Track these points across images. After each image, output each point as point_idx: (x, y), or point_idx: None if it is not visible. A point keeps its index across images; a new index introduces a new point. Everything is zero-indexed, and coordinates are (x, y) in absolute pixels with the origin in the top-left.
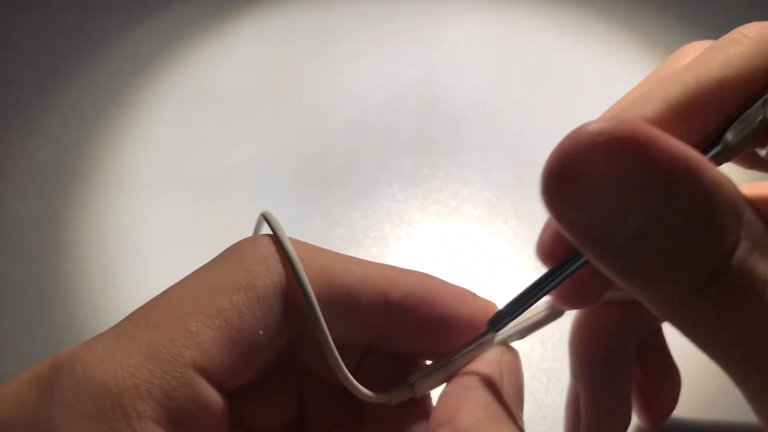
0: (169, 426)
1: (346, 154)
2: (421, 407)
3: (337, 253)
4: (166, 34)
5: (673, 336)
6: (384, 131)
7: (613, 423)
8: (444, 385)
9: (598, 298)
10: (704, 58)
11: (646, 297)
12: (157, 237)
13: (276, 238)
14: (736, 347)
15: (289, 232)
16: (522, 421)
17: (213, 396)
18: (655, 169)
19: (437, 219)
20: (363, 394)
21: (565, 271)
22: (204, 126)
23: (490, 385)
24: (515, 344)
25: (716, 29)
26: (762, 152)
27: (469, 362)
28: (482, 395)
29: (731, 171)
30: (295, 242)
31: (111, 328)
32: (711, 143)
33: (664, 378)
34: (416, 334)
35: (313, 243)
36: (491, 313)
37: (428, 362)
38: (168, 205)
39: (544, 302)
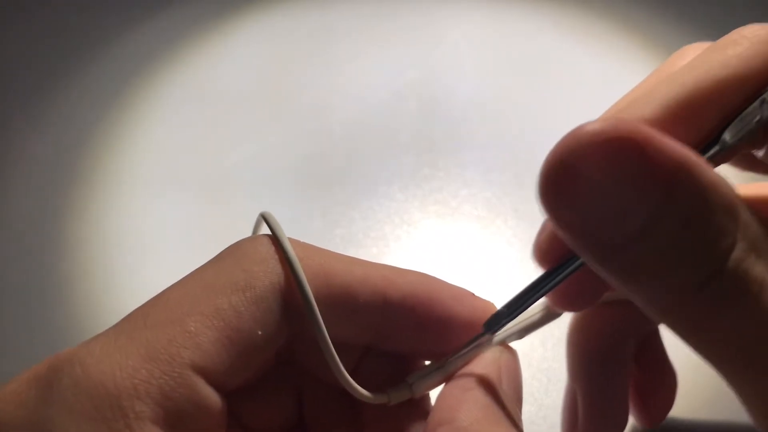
0: (167, 426)
1: (346, 154)
2: (419, 408)
3: (335, 253)
4: (166, 34)
5: (669, 336)
6: (384, 131)
7: (610, 423)
8: (443, 385)
9: (594, 301)
10: (703, 59)
11: (641, 299)
12: (157, 237)
13: (275, 238)
14: (731, 349)
15: (289, 232)
16: (521, 421)
17: (211, 396)
18: (653, 170)
19: (437, 219)
20: (361, 394)
21: (561, 273)
22: (204, 126)
23: (489, 386)
24: (514, 344)
25: (716, 29)
26: (759, 153)
27: (467, 362)
28: (481, 396)
29: (728, 172)
30: (294, 242)
31: (110, 329)
32: (709, 143)
33: (661, 378)
34: (415, 334)
35: (313, 243)
36: (490, 314)
37: (427, 363)
38: (168, 205)
39: (541, 303)
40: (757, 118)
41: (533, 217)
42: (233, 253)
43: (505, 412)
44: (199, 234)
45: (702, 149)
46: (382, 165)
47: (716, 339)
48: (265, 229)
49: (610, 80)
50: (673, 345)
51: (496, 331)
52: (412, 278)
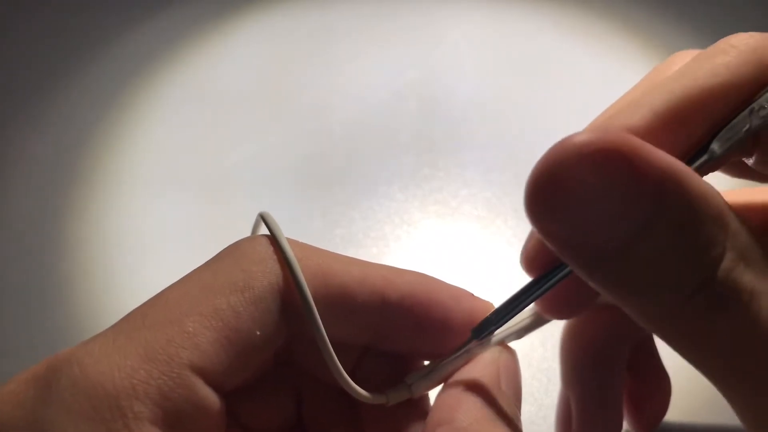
0: (165, 427)
1: (346, 154)
2: (418, 408)
3: (334, 253)
4: (166, 34)
5: (663, 342)
6: (384, 131)
7: (603, 429)
8: (441, 385)
9: (583, 309)
10: (691, 67)
11: (631, 308)
12: (157, 237)
13: (273, 239)
14: (721, 358)
15: (289, 232)
16: (520, 421)
17: (210, 396)
18: (641, 181)
19: (437, 219)
20: (360, 394)
21: (549, 281)
22: (204, 126)
23: (488, 386)
24: (514, 344)
25: (716, 29)
26: (749, 161)
27: (466, 362)
28: (480, 395)
29: (718, 179)
30: (293, 242)
31: (108, 329)
32: (697, 152)
33: (655, 384)
34: (413, 334)
35: (312, 243)
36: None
37: (426, 363)
38: (168, 205)
39: (530, 309)
40: (746, 127)
41: None
42: (232, 253)
43: (504, 412)
44: (199, 234)
45: (690, 158)
46: (382, 165)
47: (706, 348)
48: (263, 229)
49: (610, 80)
50: (667, 350)
51: (483, 338)
52: (410, 278)
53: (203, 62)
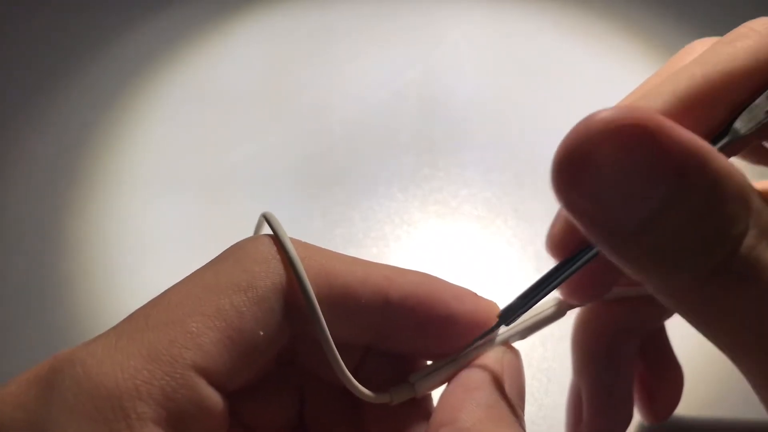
0: (169, 427)
1: (346, 154)
2: (421, 407)
3: (337, 253)
4: (166, 34)
5: (675, 333)
6: (384, 131)
7: (615, 420)
8: (445, 385)
9: (604, 293)
10: (712, 52)
11: (654, 284)
12: (157, 237)
13: (276, 239)
14: (743, 334)
15: (290, 232)
16: (523, 421)
17: (213, 397)
18: (665, 157)
19: (437, 219)
20: (363, 394)
21: (574, 265)
22: (204, 126)
23: (492, 386)
24: (516, 344)
25: (716, 29)
26: None
27: (470, 362)
28: (484, 396)
29: (739, 165)
30: (296, 242)
31: (111, 329)
32: (718, 135)
33: (667, 375)
34: (417, 334)
35: (313, 243)
36: (492, 313)
37: (429, 362)
38: (168, 205)
39: (550, 299)
40: (767, 108)
41: (533, 217)
42: (234, 253)
43: (508, 412)
44: (200, 234)
45: (712, 140)
46: (382, 165)
47: (728, 325)
48: (266, 229)
49: (610, 80)
50: (680, 341)
51: (510, 322)
52: (413, 278)
53: (203, 62)
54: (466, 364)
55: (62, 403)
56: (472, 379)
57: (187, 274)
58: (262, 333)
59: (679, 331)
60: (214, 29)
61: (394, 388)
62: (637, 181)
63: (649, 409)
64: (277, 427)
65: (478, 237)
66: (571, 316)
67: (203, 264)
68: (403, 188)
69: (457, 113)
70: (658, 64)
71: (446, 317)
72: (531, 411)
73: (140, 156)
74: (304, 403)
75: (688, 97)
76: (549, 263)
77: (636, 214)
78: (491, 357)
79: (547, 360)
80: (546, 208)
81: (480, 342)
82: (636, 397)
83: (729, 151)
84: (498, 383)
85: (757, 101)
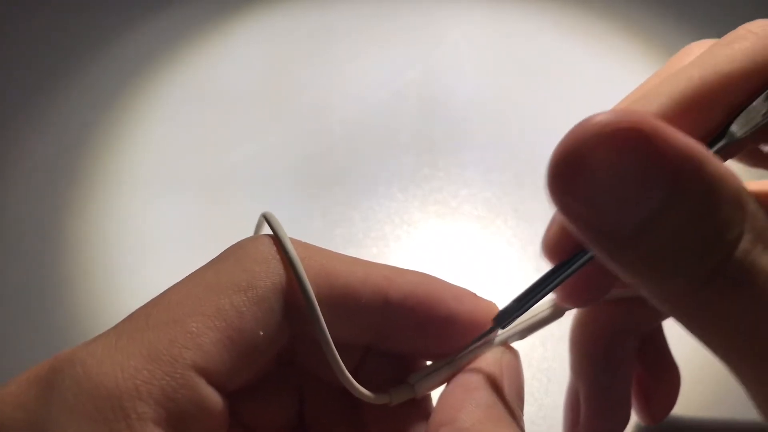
0: (169, 427)
1: (346, 154)
2: (421, 408)
3: (337, 253)
4: (166, 34)
5: (673, 334)
6: (384, 131)
7: (612, 420)
8: (444, 385)
9: (600, 297)
10: (710, 54)
11: (648, 289)
12: (157, 237)
13: (276, 239)
14: (737, 340)
15: (290, 232)
16: (522, 421)
17: (213, 397)
18: (660, 161)
19: (437, 219)
20: (363, 394)
21: (569, 268)
22: (204, 126)
23: (491, 386)
24: (515, 344)
25: (716, 29)
26: (766, 148)
27: (469, 362)
28: (483, 396)
29: (736, 168)
30: (296, 242)
31: (111, 329)
32: (715, 138)
33: (664, 376)
34: (416, 334)
35: (313, 243)
36: (492, 314)
37: (428, 363)
38: (168, 205)
39: (547, 301)
40: (764, 111)
41: (533, 217)
42: (234, 253)
43: (507, 412)
44: (199, 234)
45: (708, 143)
46: (382, 165)
47: (723, 331)
48: (266, 229)
49: (610, 80)
50: (677, 342)
51: (506, 325)
52: (413, 278)
53: (203, 62)
54: (466, 365)
55: (62, 403)
56: (472, 380)
57: (187, 274)
58: (262, 333)
59: (677, 332)
60: (214, 29)
61: (394, 389)
62: (632, 186)
63: (646, 410)
64: (276, 427)
65: (478, 237)
66: (571, 316)
67: (203, 264)
68: (403, 188)
69: (457, 113)
70: (658, 64)
71: (446, 317)
72: (531, 411)
73: (140, 156)
74: (303, 403)
75: (685, 99)
76: (549, 264)
77: (631, 219)
78: (490, 357)
79: (547, 360)
80: (546, 208)
81: (477, 344)
82: (633, 398)
83: (725, 154)
84: (497, 384)
85: (754, 104)
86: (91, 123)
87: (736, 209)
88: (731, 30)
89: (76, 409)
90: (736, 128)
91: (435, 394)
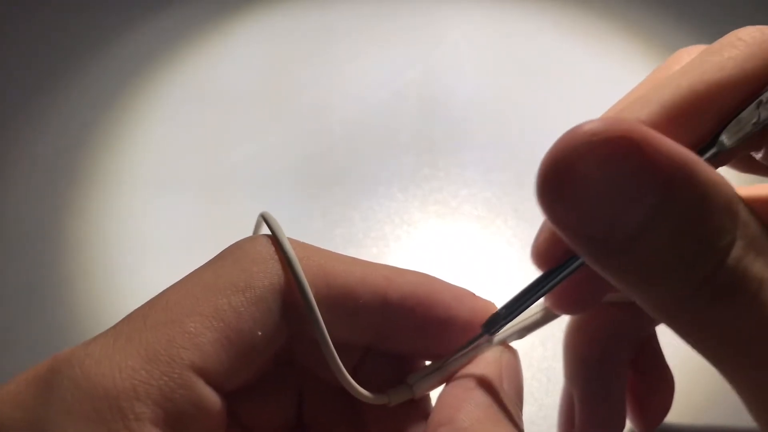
0: (167, 427)
1: (346, 154)
2: (420, 408)
3: (336, 253)
4: (166, 34)
5: (666, 340)
6: (384, 131)
7: (606, 426)
8: (443, 385)
9: (592, 304)
10: (699, 62)
11: (641, 297)
12: (157, 237)
13: (275, 239)
14: (731, 347)
15: (289, 232)
16: (521, 421)
17: (211, 397)
18: (651, 169)
19: (437, 219)
20: (361, 395)
21: (559, 275)
22: (204, 126)
23: (490, 386)
24: (515, 344)
25: (716, 29)
26: (758, 155)
27: (468, 362)
28: (482, 396)
29: (727, 175)
30: (294, 242)
31: (109, 329)
32: (705, 146)
33: (658, 382)
34: (415, 334)
35: (313, 243)
36: (491, 314)
37: (427, 363)
38: (168, 205)
39: (540, 303)
40: (755, 120)
41: (533, 217)
42: (233, 253)
43: (506, 412)
44: (199, 234)
45: (698, 151)
46: (382, 165)
47: (716, 337)
48: (265, 230)
49: (610, 80)
50: (671, 349)
51: (494, 332)
52: (412, 278)
53: (203, 62)
54: (465, 365)
55: (60, 403)
56: (470, 380)
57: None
58: (260, 333)
59: (670, 339)
60: (214, 29)
61: (392, 390)
62: (623, 193)
63: (640, 417)
64: (275, 427)
65: (478, 237)
66: (567, 318)
67: (202, 263)
68: (403, 188)
69: (457, 113)
70: (657, 64)
71: (445, 318)
72: (531, 411)
73: (140, 156)
74: (302, 403)
75: (674, 107)
76: (539, 270)
77: (622, 227)
78: (489, 357)
79: (547, 360)
80: None
81: (467, 349)
82: (627, 404)
83: (716, 162)
84: (496, 383)
85: (744, 113)
86: (91, 123)
87: (728, 217)
88: (731, 30)
89: (74, 410)
90: (726, 138)
91: (434, 394)
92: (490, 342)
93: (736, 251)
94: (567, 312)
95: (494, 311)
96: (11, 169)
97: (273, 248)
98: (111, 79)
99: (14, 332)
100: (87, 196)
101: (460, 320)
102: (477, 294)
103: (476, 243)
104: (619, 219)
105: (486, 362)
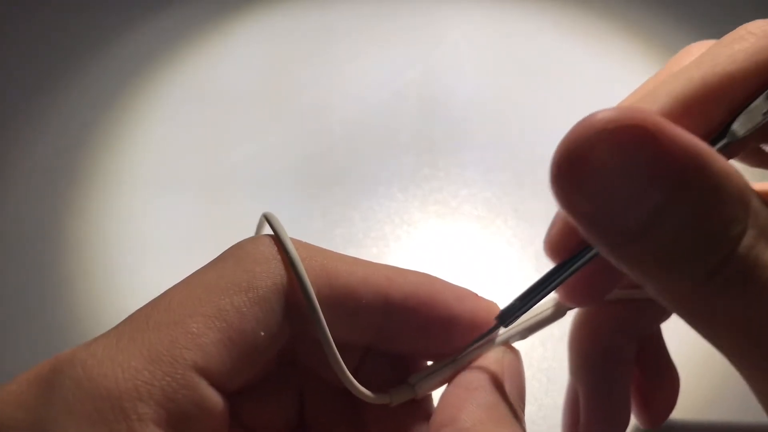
0: (169, 428)
1: (346, 154)
2: (422, 408)
3: (338, 253)
4: (166, 34)
5: (671, 336)
6: (384, 131)
7: (611, 423)
8: (445, 385)
9: (602, 296)
10: (710, 55)
11: (653, 286)
12: (157, 237)
13: (277, 239)
14: (742, 335)
15: (290, 232)
16: (524, 421)
17: (213, 397)
18: (665, 158)
19: (437, 219)
20: (363, 394)
21: (572, 266)
22: (204, 126)
23: (492, 386)
24: (516, 344)
25: (716, 29)
26: (767, 148)
27: (470, 363)
28: (484, 396)
29: (737, 168)
30: (297, 243)
31: (111, 330)
32: (716, 137)
33: (663, 379)
34: (417, 334)
35: (313, 243)
36: (493, 314)
37: (429, 363)
38: (168, 205)
39: (549, 300)
40: (765, 110)
41: (533, 217)
42: (235, 253)
43: (509, 412)
44: (200, 234)
45: (710, 142)
46: (382, 165)
47: (727, 326)
48: (267, 230)
49: (610, 80)
50: (676, 345)
51: (509, 324)
52: (414, 278)
53: (203, 62)
54: (466, 365)
55: (62, 403)
56: (473, 380)
57: (188, 274)
58: (262, 333)
59: (676, 335)
60: (214, 29)
61: (394, 390)
62: (637, 182)
63: (645, 413)
64: (277, 428)
65: (478, 237)
66: (572, 315)
67: (203, 264)
68: (403, 188)
69: (457, 113)
70: (658, 64)
71: (447, 318)
72: (531, 411)
73: (140, 156)
74: (304, 403)
75: (686, 99)
76: (549, 263)
77: (635, 216)
78: (491, 357)
79: (547, 360)
80: (546, 208)
81: (479, 343)
82: (632, 400)
83: (727, 153)
84: (498, 384)
85: (755, 103)
86: (91, 123)
87: (740, 206)
88: (731, 30)
89: (77, 410)
90: (738, 128)
91: (436, 395)
92: (492, 342)
93: (748, 240)
94: (579, 304)
95: (496, 311)
96: (11, 169)
97: (275, 248)
98: (111, 79)
99: (14, 332)
100: (87, 196)
101: (462, 320)
102: (478, 294)
103: (476, 243)
104: (632, 207)
105: (488, 362)
